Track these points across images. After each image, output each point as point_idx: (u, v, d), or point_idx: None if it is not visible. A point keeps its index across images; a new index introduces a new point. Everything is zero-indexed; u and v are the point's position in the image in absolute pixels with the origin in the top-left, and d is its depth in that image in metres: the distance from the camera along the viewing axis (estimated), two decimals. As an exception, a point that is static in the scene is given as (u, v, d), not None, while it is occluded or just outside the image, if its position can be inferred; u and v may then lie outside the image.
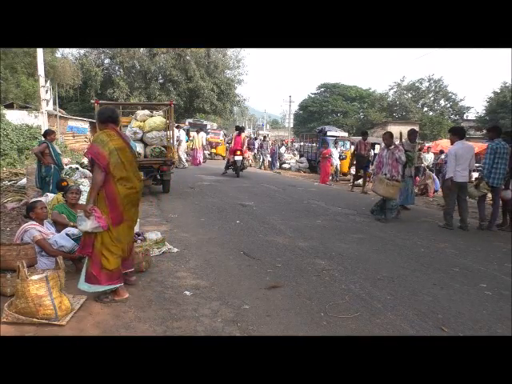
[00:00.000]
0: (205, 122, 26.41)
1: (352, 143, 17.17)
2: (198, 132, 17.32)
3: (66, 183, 5.49)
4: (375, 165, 7.26)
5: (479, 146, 14.23)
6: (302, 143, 22.94)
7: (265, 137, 22.55)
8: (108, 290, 3.23)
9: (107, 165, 3.10)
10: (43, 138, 7.40)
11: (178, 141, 15.90)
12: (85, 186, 7.63)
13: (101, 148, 3.12)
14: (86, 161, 12.24)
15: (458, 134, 6.61)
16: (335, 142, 15.52)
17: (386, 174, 6.60)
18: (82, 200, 5.78)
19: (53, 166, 7.00)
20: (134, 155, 3.47)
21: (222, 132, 25.72)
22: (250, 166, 16.93)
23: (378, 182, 6.62)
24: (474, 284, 3.91)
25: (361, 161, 11.26)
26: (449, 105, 42.43)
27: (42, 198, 5.53)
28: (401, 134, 7.91)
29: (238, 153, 12.81)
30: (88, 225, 3.06)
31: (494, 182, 6.24)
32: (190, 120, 26.01)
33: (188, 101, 28.96)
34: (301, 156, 21.07)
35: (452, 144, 6.60)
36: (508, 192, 6.37)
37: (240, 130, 13.59)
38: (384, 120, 37.12)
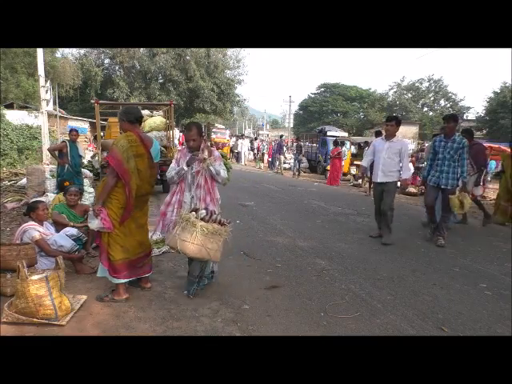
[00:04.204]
0: (216, 124, 26.73)
1: (352, 143, 17.20)
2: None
3: (68, 183, 5.49)
4: (172, 191, 3.50)
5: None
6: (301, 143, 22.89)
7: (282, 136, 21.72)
8: (117, 282, 3.26)
9: (126, 172, 3.10)
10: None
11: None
12: (85, 186, 7.63)
13: (120, 154, 3.11)
14: (85, 161, 12.27)
15: None
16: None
17: (197, 210, 3.23)
18: (83, 200, 5.79)
19: (66, 166, 6.75)
20: (152, 161, 3.36)
21: (227, 131, 25.34)
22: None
23: (182, 228, 3.04)
24: (474, 284, 3.91)
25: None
26: (449, 105, 42.42)
27: (43, 198, 5.53)
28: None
29: None
30: (95, 224, 3.15)
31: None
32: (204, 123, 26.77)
33: (188, 101, 28.97)
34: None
35: None
36: (479, 188, 6.34)
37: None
38: (384, 120, 37.12)
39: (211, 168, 3.33)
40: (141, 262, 3.40)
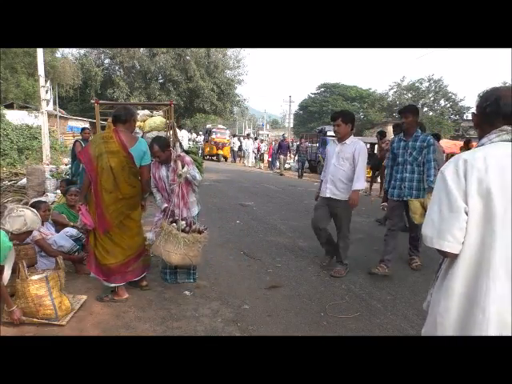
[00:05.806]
0: (219, 125, 26.79)
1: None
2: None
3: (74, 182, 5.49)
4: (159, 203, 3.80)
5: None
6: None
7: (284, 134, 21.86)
8: (107, 286, 3.26)
9: (93, 170, 3.11)
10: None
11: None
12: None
13: (91, 151, 3.15)
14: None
15: None
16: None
17: (176, 221, 3.43)
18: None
19: (81, 164, 6.70)
20: (131, 161, 3.19)
21: (228, 132, 25.21)
22: None
23: (165, 240, 3.25)
24: (474, 284, 3.91)
25: (374, 162, 10.17)
26: (449, 105, 42.42)
27: (43, 198, 5.53)
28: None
29: None
30: (78, 221, 3.27)
31: None
32: (209, 125, 26.71)
33: (188, 101, 28.98)
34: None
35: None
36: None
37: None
38: (384, 120, 37.14)
39: (188, 176, 3.50)
40: (131, 264, 3.32)
